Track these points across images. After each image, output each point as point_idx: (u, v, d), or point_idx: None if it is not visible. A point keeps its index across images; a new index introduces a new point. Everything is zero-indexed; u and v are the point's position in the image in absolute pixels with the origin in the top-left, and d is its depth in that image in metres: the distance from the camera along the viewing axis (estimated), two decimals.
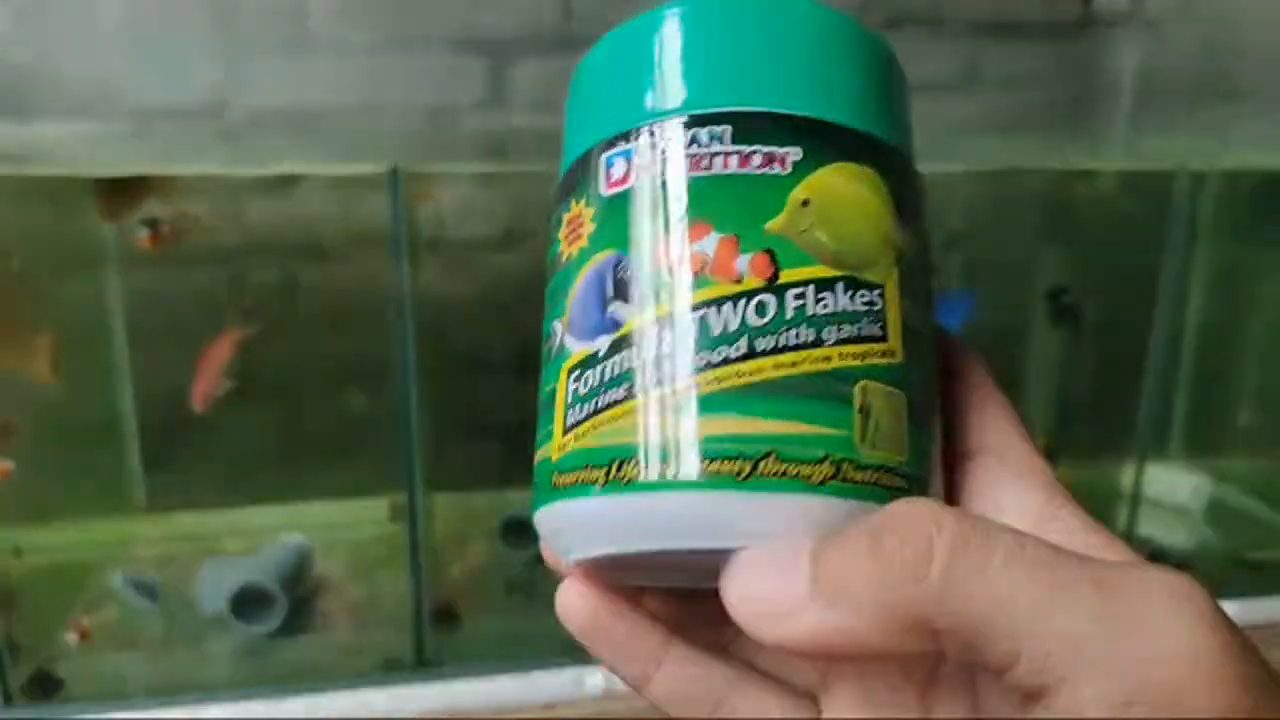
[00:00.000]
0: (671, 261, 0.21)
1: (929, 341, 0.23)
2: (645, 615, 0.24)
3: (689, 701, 0.24)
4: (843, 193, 0.21)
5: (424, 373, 0.85)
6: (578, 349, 0.22)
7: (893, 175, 0.22)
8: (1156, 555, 1.03)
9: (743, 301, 0.20)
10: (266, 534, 0.99)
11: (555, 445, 0.22)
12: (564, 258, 0.23)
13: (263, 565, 0.92)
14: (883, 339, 0.21)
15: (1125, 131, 1.21)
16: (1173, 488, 1.11)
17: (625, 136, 0.22)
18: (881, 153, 0.22)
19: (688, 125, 0.21)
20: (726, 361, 0.20)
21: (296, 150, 1.01)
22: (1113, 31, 1.20)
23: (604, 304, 0.21)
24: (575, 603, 0.24)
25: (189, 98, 1.00)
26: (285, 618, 0.89)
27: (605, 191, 0.22)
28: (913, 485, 0.21)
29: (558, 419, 0.22)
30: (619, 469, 0.20)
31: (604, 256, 0.22)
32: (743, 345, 0.20)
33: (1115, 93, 1.21)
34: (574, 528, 0.22)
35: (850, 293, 0.20)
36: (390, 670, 0.87)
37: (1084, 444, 1.18)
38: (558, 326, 0.22)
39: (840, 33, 0.23)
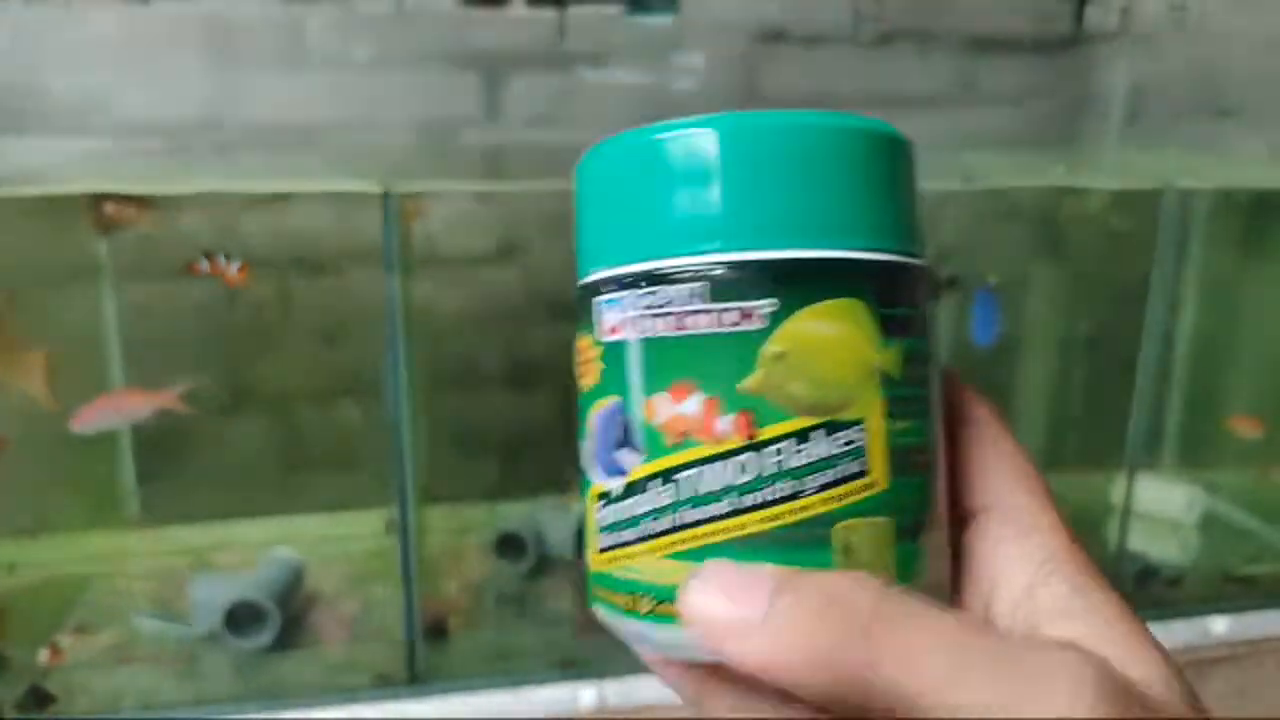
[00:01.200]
0: (661, 421, 0.22)
1: (925, 434, 0.23)
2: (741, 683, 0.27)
3: None
4: (817, 337, 0.22)
5: (419, 386, 0.85)
6: (597, 482, 0.24)
7: (877, 292, 0.22)
8: (1148, 571, 1.04)
9: (726, 462, 0.22)
10: (261, 547, 0.99)
11: (592, 557, 0.24)
12: (581, 384, 0.24)
13: (256, 581, 0.92)
14: (863, 474, 0.22)
15: (1115, 146, 1.22)
16: (1165, 502, 1.11)
17: (618, 282, 0.23)
18: (864, 273, 0.22)
19: (670, 280, 0.22)
20: (715, 519, 0.22)
21: (291, 165, 1.02)
22: (1104, 47, 1.21)
23: (612, 447, 0.23)
24: (677, 688, 0.27)
25: (184, 113, 1.01)
26: (278, 633, 0.89)
27: (605, 337, 0.23)
28: None
29: (590, 538, 0.25)
30: (634, 601, 0.23)
31: (609, 402, 0.23)
32: (728, 504, 0.22)
33: (1106, 108, 1.22)
34: (613, 627, 0.24)
35: (829, 438, 0.22)
36: (382, 685, 0.87)
37: (1075, 457, 1.18)
38: (585, 447, 0.24)
39: (819, 139, 0.23)
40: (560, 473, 1.06)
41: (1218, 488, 1.15)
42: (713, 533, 0.22)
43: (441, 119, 1.06)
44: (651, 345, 0.22)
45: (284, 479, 1.10)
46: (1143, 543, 1.06)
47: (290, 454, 1.10)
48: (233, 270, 0.86)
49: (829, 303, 0.22)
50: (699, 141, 0.22)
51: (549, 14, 1.05)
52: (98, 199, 0.90)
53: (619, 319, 0.23)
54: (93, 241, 0.97)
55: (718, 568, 0.21)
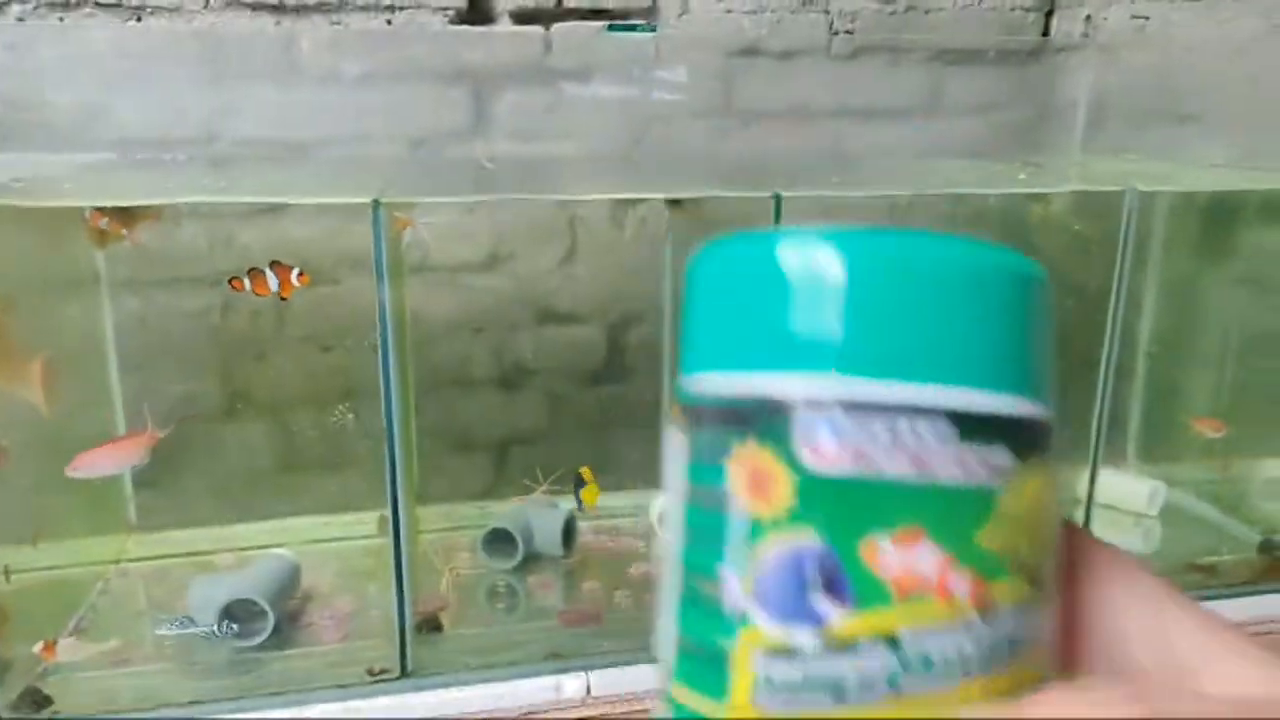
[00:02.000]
0: (888, 569, 0.19)
1: None
2: None
3: None
4: (1037, 499, 0.20)
5: (409, 390, 0.88)
6: (769, 629, 0.20)
7: (1056, 460, 0.21)
8: None
9: (960, 629, 0.19)
10: (257, 549, 1.01)
11: (728, 714, 0.20)
12: (738, 505, 0.20)
13: (252, 580, 0.94)
14: (1046, 643, 0.21)
15: (1079, 153, 1.26)
16: (1128, 494, 1.15)
17: (841, 405, 0.19)
18: (1054, 440, 0.21)
19: (911, 413, 0.19)
20: (942, 692, 0.19)
21: (284, 178, 1.04)
22: (1068, 58, 1.25)
23: (806, 590, 0.19)
24: None
25: (178, 127, 1.03)
26: (274, 630, 0.91)
27: (812, 464, 0.19)
28: None
29: (737, 687, 0.20)
30: None
31: (808, 540, 0.19)
32: (956, 677, 0.19)
33: (1070, 116, 1.26)
34: None
35: (1036, 610, 0.20)
36: (376, 680, 0.89)
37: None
38: (731, 579, 0.20)
39: (1043, 306, 0.21)
40: (540, 473, 1.08)
41: (1179, 481, 1.19)
42: (936, 706, 0.19)
43: (431, 133, 1.09)
44: (883, 483, 0.19)
45: (279, 481, 1.12)
46: (1107, 533, 1.09)
47: (285, 457, 1.12)
48: (294, 277, 0.88)
49: (1043, 464, 0.20)
50: (983, 281, 0.21)
51: (535, 31, 1.08)
52: (90, 212, 0.92)
53: (836, 446, 0.19)
54: (90, 252, 0.99)
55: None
